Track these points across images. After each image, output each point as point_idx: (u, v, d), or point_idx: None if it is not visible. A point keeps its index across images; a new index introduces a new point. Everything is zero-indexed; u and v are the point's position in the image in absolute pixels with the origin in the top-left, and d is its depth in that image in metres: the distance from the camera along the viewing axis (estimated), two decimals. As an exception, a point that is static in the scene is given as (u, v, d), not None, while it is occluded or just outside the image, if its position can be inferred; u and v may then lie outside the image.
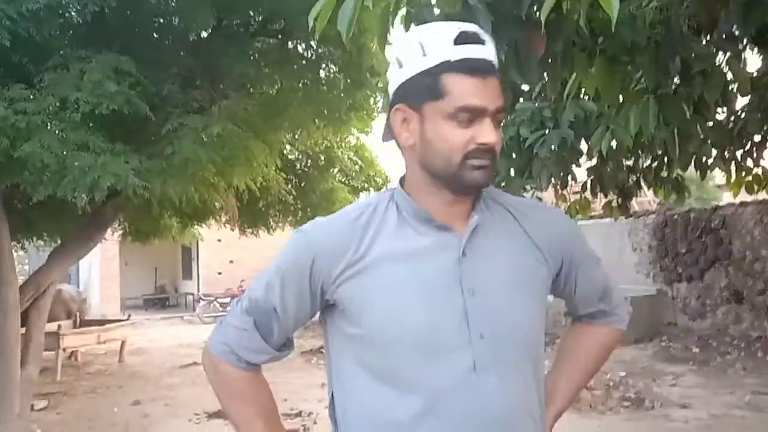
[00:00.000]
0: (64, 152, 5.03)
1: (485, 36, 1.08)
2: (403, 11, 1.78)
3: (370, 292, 1.10)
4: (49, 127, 5.04)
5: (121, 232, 10.13)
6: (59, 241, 8.15)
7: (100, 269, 18.91)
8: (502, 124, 1.18)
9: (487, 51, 1.07)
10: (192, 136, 5.56)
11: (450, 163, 1.07)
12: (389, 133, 1.18)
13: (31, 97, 5.00)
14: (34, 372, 6.51)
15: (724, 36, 2.00)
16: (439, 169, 1.09)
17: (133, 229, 9.81)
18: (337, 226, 1.16)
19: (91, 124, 5.26)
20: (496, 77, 1.07)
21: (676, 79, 2.11)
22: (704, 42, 1.93)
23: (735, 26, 1.71)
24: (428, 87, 1.06)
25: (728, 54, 2.01)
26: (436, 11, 1.71)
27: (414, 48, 1.08)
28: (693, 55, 1.90)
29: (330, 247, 1.12)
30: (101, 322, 10.98)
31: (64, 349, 8.76)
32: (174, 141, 5.60)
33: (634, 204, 13.35)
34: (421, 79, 1.07)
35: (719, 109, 3.09)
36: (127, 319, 11.14)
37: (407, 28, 1.78)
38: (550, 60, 1.71)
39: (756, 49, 2.22)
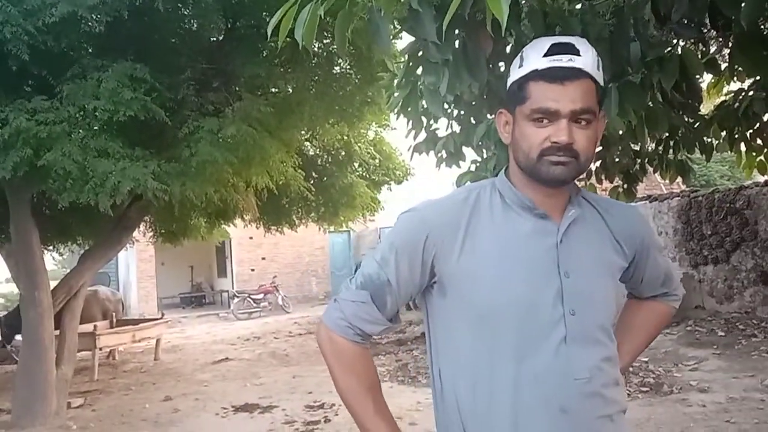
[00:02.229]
0: (85, 159, 5.22)
1: (583, 46, 1.22)
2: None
3: (479, 265, 1.24)
4: (70, 136, 5.24)
5: (152, 233, 10.40)
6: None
7: (137, 270, 19.41)
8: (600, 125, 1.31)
9: (578, 60, 1.20)
10: (208, 138, 5.72)
11: (528, 159, 1.23)
12: None
13: (52, 107, 5.22)
14: (68, 371, 6.78)
15: (687, 23, 2.03)
16: (522, 163, 1.26)
17: (163, 230, 10.08)
18: (447, 205, 1.31)
19: (110, 131, 5.44)
20: (581, 81, 1.20)
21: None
22: (664, 30, 1.96)
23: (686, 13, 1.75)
24: (517, 93, 1.25)
25: (688, 41, 2.04)
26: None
27: (517, 61, 1.27)
28: (650, 43, 1.95)
29: (443, 223, 1.27)
30: (136, 322, 11.31)
31: (100, 349, 9.07)
32: (191, 144, 5.76)
33: (663, 187, 13.16)
34: (514, 87, 1.26)
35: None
36: (161, 318, 11.42)
37: (370, 33, 1.84)
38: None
39: (714, 34, 2.23)
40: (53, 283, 6.93)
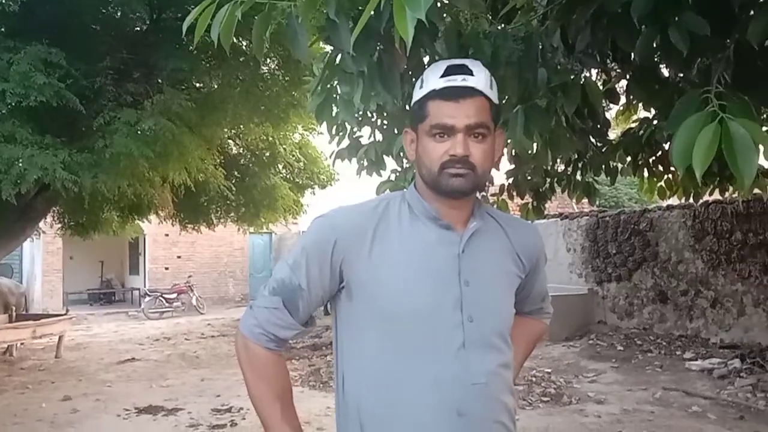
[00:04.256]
0: (-11, 144, 4.98)
1: (476, 67, 1.31)
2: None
3: (385, 271, 1.30)
4: (-26, 119, 4.98)
5: (60, 225, 9.95)
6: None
7: (43, 263, 18.46)
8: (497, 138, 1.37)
9: (471, 79, 1.29)
10: (124, 130, 5.56)
11: (431, 172, 1.30)
12: None
13: (-45, 87, 4.95)
14: (-43, 366, 6.38)
15: (592, 53, 2.15)
16: (425, 177, 1.33)
17: (72, 222, 9.66)
18: (357, 212, 1.36)
19: (19, 116, 5.21)
20: (475, 99, 1.28)
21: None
22: (571, 58, 2.08)
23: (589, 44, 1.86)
24: (417, 112, 1.33)
25: (592, 69, 2.17)
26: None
27: (418, 83, 1.35)
28: (556, 70, 2.06)
29: (351, 229, 1.32)
30: (38, 317, 10.75)
31: (-4, 344, 8.59)
32: (106, 135, 5.58)
33: (574, 206, 13.71)
34: (416, 107, 1.34)
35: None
36: (65, 314, 10.91)
37: (288, 39, 1.84)
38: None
39: (615, 65, 2.39)
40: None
